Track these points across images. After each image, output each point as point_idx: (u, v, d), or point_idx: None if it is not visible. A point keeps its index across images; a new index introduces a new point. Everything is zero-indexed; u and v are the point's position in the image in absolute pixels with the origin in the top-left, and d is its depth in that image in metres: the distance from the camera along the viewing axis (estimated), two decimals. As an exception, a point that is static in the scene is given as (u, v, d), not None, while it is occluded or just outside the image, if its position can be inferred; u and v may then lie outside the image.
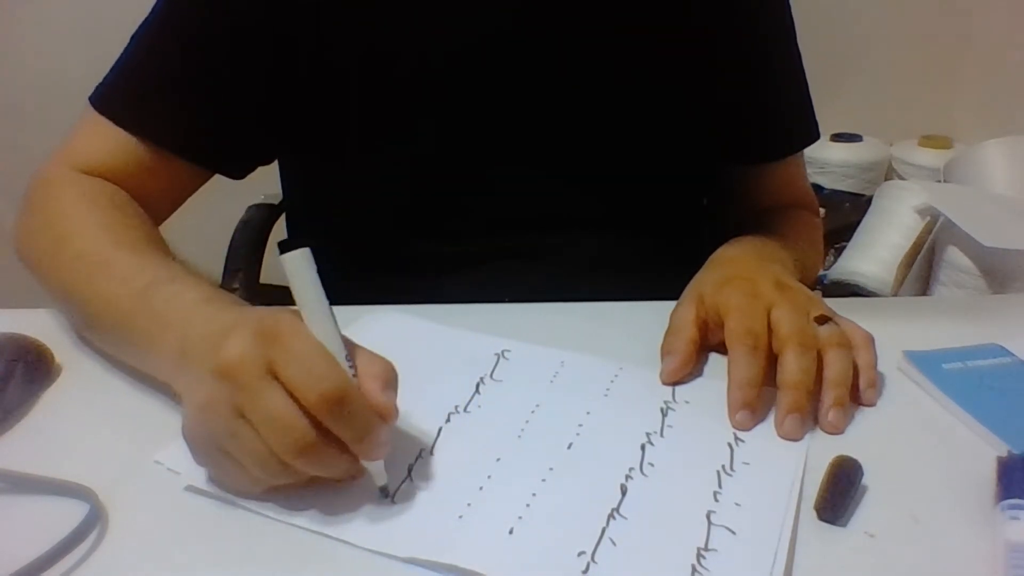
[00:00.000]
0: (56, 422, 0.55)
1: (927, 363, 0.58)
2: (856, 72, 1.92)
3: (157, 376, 0.54)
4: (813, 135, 0.85)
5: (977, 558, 0.42)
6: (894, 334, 0.59)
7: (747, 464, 0.50)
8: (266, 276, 0.99)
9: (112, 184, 0.67)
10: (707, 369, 0.60)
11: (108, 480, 0.47)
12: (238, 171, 0.74)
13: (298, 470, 0.43)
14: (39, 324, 0.62)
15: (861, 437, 0.53)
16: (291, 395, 0.42)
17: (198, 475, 0.47)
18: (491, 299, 0.66)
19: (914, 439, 0.53)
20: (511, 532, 0.44)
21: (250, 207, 1.07)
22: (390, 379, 0.45)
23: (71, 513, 0.44)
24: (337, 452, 0.43)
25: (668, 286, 0.65)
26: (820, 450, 0.51)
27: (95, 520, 0.44)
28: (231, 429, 0.43)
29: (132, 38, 0.69)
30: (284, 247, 0.44)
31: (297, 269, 0.45)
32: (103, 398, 0.57)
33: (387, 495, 0.46)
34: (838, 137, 1.93)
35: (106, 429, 0.54)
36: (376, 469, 0.46)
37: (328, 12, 0.68)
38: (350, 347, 0.46)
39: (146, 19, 0.69)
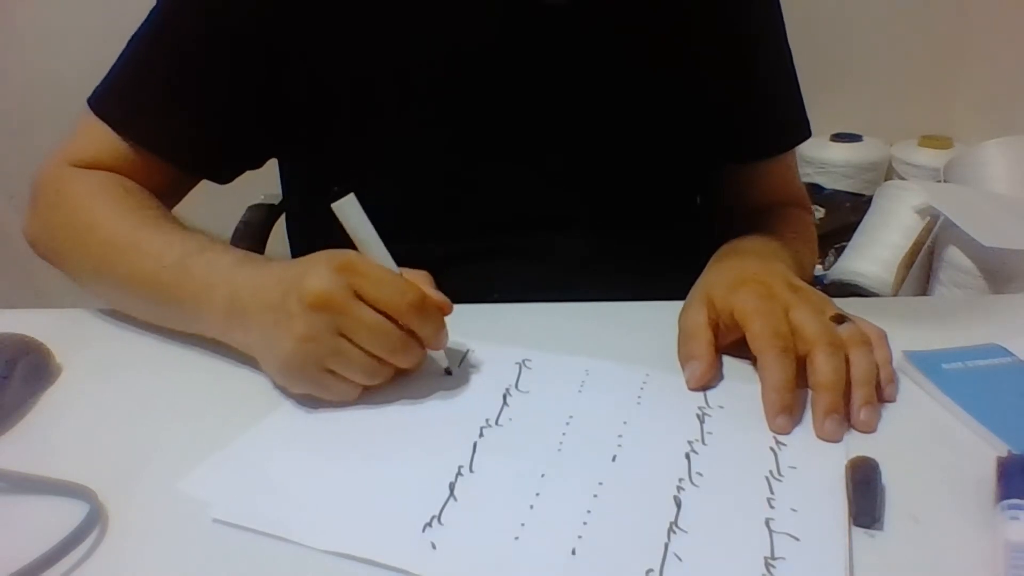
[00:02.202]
0: (56, 422, 0.55)
1: (927, 363, 0.58)
2: (856, 72, 1.92)
3: (204, 333, 0.60)
4: (804, 132, 0.85)
5: (977, 558, 0.42)
6: (894, 334, 0.58)
7: (794, 468, 0.49)
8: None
9: (116, 174, 0.69)
10: (731, 372, 0.59)
11: (108, 480, 0.47)
12: (224, 177, 0.75)
13: (390, 368, 0.54)
14: (39, 324, 0.62)
15: (861, 437, 0.52)
16: (377, 310, 0.51)
17: (223, 504, 0.46)
18: (481, 298, 0.66)
19: (914, 439, 0.52)
20: (574, 552, 0.43)
21: (250, 207, 1.07)
22: (432, 282, 0.56)
23: (71, 513, 0.44)
24: (417, 345, 0.54)
25: (661, 285, 0.65)
26: (820, 450, 0.51)
27: (95, 520, 0.44)
28: (335, 348, 0.52)
29: (129, 41, 0.70)
30: (332, 199, 0.53)
31: (349, 212, 0.53)
32: (103, 398, 0.57)
33: (450, 374, 0.58)
34: (838, 137, 1.93)
35: (106, 429, 0.54)
36: (439, 356, 0.57)
37: (320, 23, 0.68)
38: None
39: (144, 23, 0.70)
